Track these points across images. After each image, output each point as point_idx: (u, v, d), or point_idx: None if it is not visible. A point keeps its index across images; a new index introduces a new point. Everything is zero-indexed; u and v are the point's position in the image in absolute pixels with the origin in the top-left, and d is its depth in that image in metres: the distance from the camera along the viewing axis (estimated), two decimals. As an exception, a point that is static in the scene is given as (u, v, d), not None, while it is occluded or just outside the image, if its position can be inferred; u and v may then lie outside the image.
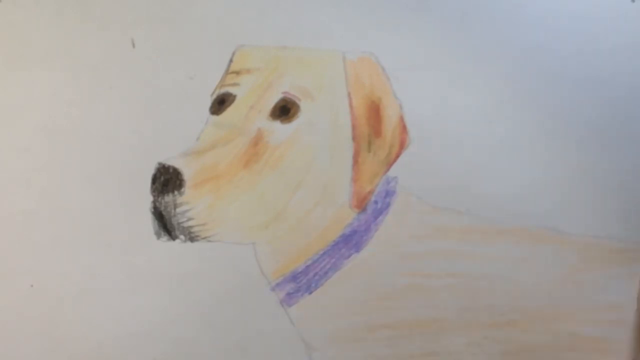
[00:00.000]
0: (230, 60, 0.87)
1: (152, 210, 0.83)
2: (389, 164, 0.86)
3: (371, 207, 0.85)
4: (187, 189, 0.80)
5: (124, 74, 0.88)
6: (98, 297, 0.86)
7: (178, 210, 0.81)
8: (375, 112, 0.85)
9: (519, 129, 0.88)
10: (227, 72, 0.87)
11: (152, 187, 0.83)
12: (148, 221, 0.84)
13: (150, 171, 0.83)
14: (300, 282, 0.85)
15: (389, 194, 0.86)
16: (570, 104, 0.88)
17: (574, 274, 0.86)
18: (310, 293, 0.85)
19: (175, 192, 0.80)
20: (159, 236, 0.84)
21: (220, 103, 0.85)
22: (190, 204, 0.80)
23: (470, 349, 0.85)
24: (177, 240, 0.83)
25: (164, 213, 0.82)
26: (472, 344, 0.85)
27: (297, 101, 0.84)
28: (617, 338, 0.86)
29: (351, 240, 0.85)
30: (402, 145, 0.86)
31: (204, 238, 0.82)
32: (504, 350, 0.85)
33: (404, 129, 0.87)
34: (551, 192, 0.87)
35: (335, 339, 0.85)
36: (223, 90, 0.86)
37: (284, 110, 0.84)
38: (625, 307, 0.86)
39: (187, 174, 0.81)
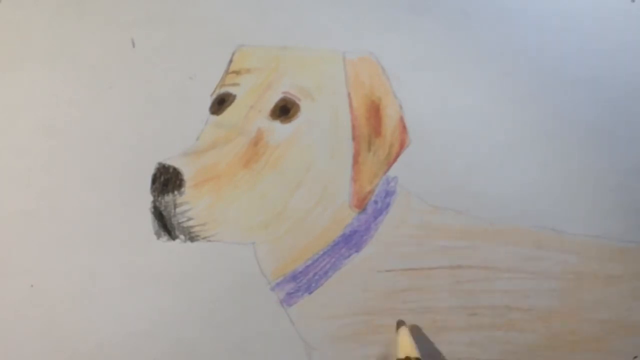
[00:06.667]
0: (230, 60, 0.87)
1: (152, 210, 0.83)
2: (389, 164, 0.86)
3: (371, 207, 0.85)
4: (187, 189, 0.80)
5: (124, 74, 0.88)
6: (98, 297, 0.85)
7: (178, 210, 0.81)
8: (375, 112, 0.86)
9: (519, 129, 0.88)
10: (227, 72, 0.87)
11: (152, 187, 0.83)
12: (148, 221, 0.84)
13: (150, 171, 0.83)
14: (300, 282, 0.85)
15: (389, 194, 0.86)
16: (570, 104, 0.88)
17: (574, 274, 0.85)
18: (310, 293, 0.85)
19: (175, 192, 0.80)
20: (159, 236, 0.84)
21: (220, 103, 0.85)
22: (190, 203, 0.80)
23: (470, 349, 0.85)
24: (177, 240, 0.83)
25: (164, 213, 0.82)
26: (472, 344, 0.85)
27: (297, 101, 0.84)
28: (617, 338, 0.85)
29: (351, 240, 0.85)
30: (402, 145, 0.86)
31: (204, 238, 0.82)
32: (504, 350, 0.85)
33: (404, 129, 0.87)
34: (551, 192, 0.87)
35: (335, 339, 0.85)
36: (223, 90, 0.86)
37: (284, 110, 0.84)
38: (625, 307, 0.86)
39: (187, 173, 0.81)
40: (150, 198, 0.83)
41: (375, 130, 0.85)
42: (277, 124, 0.84)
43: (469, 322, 0.85)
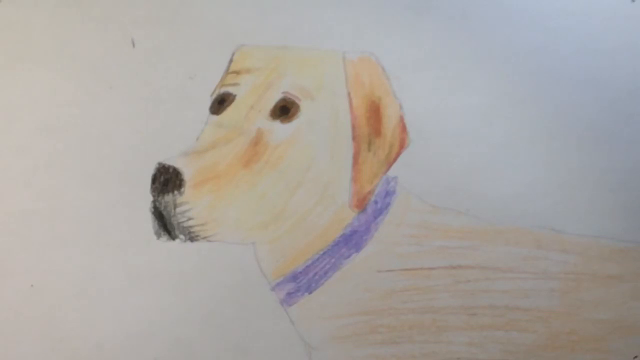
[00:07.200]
0: (230, 60, 0.87)
1: (152, 210, 0.83)
2: (389, 164, 0.86)
3: (371, 207, 0.85)
4: (187, 189, 0.80)
5: (124, 74, 0.88)
6: (98, 297, 0.86)
7: (178, 210, 0.81)
8: (375, 112, 0.86)
9: (519, 129, 0.88)
10: (227, 71, 0.87)
11: (152, 187, 0.83)
12: (148, 221, 0.84)
13: (150, 171, 0.83)
14: (300, 282, 0.85)
15: (389, 194, 0.86)
16: (570, 104, 0.88)
17: (574, 274, 0.86)
18: (310, 293, 0.85)
19: (175, 192, 0.80)
20: (159, 236, 0.84)
21: (220, 103, 0.85)
22: (190, 203, 0.80)
23: (470, 349, 0.85)
24: (177, 240, 0.83)
25: (163, 213, 0.82)
26: (472, 344, 0.85)
27: (297, 101, 0.84)
28: (617, 338, 0.85)
29: (351, 240, 0.85)
30: (402, 145, 0.86)
31: (204, 238, 0.82)
32: (504, 350, 0.85)
33: (404, 129, 0.87)
34: (551, 192, 0.87)
35: (335, 339, 0.85)
36: (223, 90, 0.86)
37: (284, 110, 0.84)
38: (625, 307, 0.86)
39: (187, 173, 0.81)
40: (150, 198, 0.83)
41: (375, 130, 0.85)
42: (277, 124, 0.84)
43: (469, 322, 0.85)
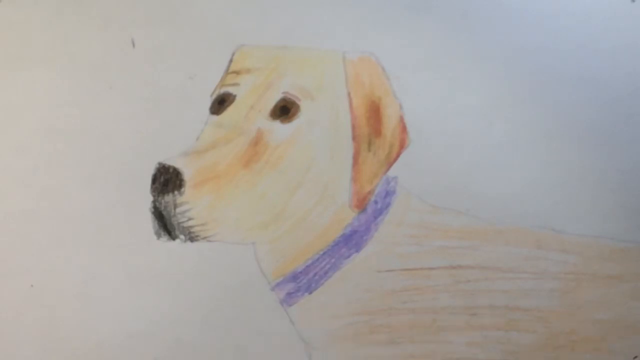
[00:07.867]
0: (230, 60, 0.87)
1: (152, 210, 0.83)
2: (389, 164, 0.86)
3: (371, 207, 0.85)
4: (187, 189, 0.80)
5: (124, 74, 0.88)
6: (98, 297, 0.86)
7: (178, 210, 0.81)
8: (375, 112, 0.86)
9: (519, 129, 0.88)
10: (227, 71, 0.87)
11: (152, 187, 0.83)
12: (148, 221, 0.84)
13: (150, 171, 0.83)
14: (300, 282, 0.85)
15: (389, 194, 0.86)
16: (570, 104, 0.88)
17: (574, 274, 0.86)
18: (310, 293, 0.85)
19: (175, 192, 0.80)
20: (159, 236, 0.84)
21: (220, 103, 0.85)
22: (190, 203, 0.80)
23: (470, 349, 0.85)
24: (177, 240, 0.83)
25: (164, 213, 0.82)
26: (472, 344, 0.85)
27: (297, 101, 0.84)
28: (617, 338, 0.85)
29: (351, 240, 0.85)
30: (402, 145, 0.86)
31: (204, 238, 0.82)
32: (504, 350, 0.85)
33: (404, 129, 0.87)
34: (551, 192, 0.87)
35: (335, 339, 0.85)
36: (223, 90, 0.86)
37: (284, 110, 0.84)
38: (625, 307, 0.86)
39: (187, 173, 0.81)
40: (150, 198, 0.83)
41: (375, 130, 0.85)
42: (277, 124, 0.84)
43: (469, 322, 0.85)
